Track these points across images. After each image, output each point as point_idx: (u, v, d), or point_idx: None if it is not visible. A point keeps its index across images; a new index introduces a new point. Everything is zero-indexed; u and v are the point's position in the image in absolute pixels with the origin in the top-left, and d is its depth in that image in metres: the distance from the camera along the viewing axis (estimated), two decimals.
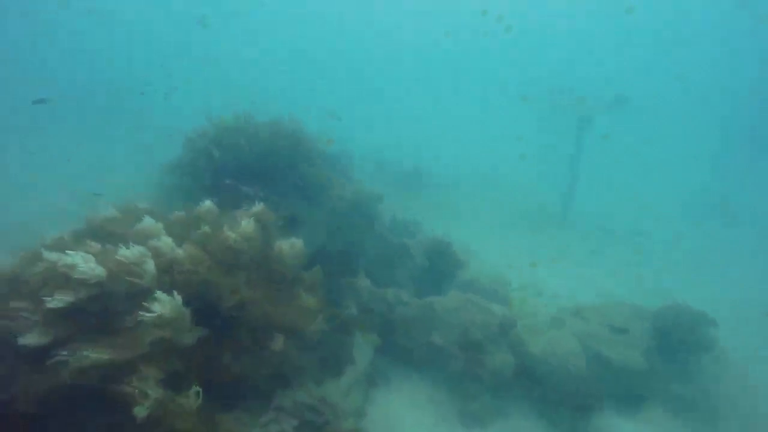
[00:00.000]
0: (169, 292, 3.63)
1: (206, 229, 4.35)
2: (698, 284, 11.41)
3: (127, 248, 3.53)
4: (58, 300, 3.16)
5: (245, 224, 4.56)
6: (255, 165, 7.01)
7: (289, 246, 4.94)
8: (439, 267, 8.76)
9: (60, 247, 3.94)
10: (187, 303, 3.79)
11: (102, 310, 3.50)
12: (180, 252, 3.92)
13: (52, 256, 3.31)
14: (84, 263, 3.23)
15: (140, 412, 3.21)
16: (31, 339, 3.15)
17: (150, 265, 3.58)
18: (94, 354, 3.13)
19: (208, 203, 5.06)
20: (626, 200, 17.73)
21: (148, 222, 4.22)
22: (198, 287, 4.08)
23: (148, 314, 3.40)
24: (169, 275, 3.96)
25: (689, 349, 7.47)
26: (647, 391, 7.01)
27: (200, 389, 3.94)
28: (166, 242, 3.93)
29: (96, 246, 3.70)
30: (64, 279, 3.28)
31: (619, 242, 13.39)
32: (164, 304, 3.46)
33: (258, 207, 5.20)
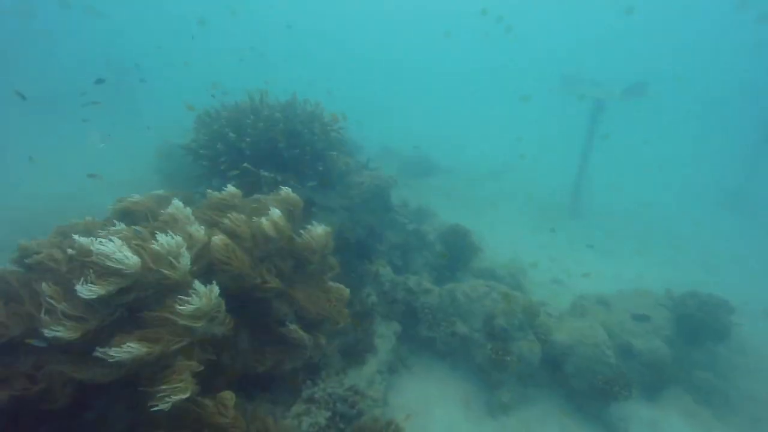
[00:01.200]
0: (205, 282, 3.43)
1: (238, 216, 4.13)
2: (714, 274, 11.38)
3: (165, 235, 3.31)
4: (90, 290, 2.94)
5: (275, 212, 4.33)
6: (271, 148, 6.75)
7: (319, 233, 4.73)
8: (456, 254, 8.62)
9: (88, 231, 3.72)
10: (220, 293, 3.60)
11: (134, 300, 3.29)
12: (215, 240, 3.71)
13: (83, 241, 3.08)
14: (119, 251, 3.01)
15: (177, 404, 3.04)
16: (61, 332, 2.95)
17: (186, 256, 3.37)
18: (132, 347, 2.94)
19: (231, 188, 4.83)
20: (640, 190, 17.61)
21: (177, 206, 3.99)
22: (230, 276, 3.88)
23: (185, 307, 3.20)
24: (200, 264, 3.75)
25: (711, 336, 7.43)
26: (670, 378, 6.97)
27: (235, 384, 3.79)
28: (197, 229, 3.72)
29: (128, 231, 3.47)
30: (96, 267, 3.06)
31: (633, 231, 13.29)
32: (201, 296, 3.27)
33: (284, 192, 4.97)
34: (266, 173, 6.32)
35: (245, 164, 6.27)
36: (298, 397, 4.65)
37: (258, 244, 4.22)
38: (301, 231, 4.95)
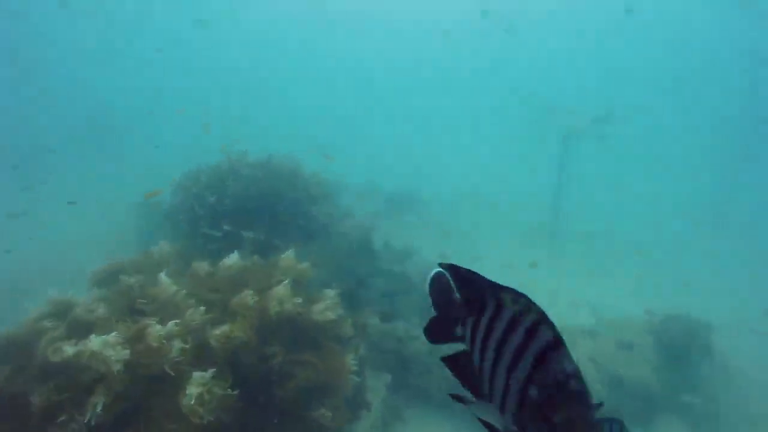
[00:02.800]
0: (205, 367, 3.48)
1: (248, 299, 4.20)
2: (696, 290, 11.76)
3: (156, 324, 3.36)
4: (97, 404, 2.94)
5: (282, 289, 4.42)
6: (253, 207, 6.84)
7: (326, 305, 4.82)
8: None
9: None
10: (221, 374, 3.63)
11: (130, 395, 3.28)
12: (217, 332, 3.76)
13: (69, 349, 3.08)
14: (109, 349, 3.03)
15: None
16: None
17: (177, 344, 3.40)
18: None
19: (234, 257, 4.90)
20: (620, 209, 18.19)
21: (165, 283, 4.02)
22: (234, 356, 3.91)
23: (187, 398, 3.22)
24: (198, 348, 3.77)
25: (693, 358, 7.63)
26: (660, 405, 7.09)
27: None
28: (193, 315, 3.76)
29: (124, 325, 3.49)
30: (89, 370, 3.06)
31: (614, 252, 13.68)
32: (200, 385, 3.29)
33: (289, 258, 5.09)
34: (248, 234, 6.39)
35: (226, 226, 6.33)
36: None
37: (266, 322, 4.26)
38: (312, 305, 5.05)
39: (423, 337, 5.20)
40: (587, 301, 10.36)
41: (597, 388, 6.37)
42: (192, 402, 3.36)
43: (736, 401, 7.52)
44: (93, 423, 3.15)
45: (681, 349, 7.59)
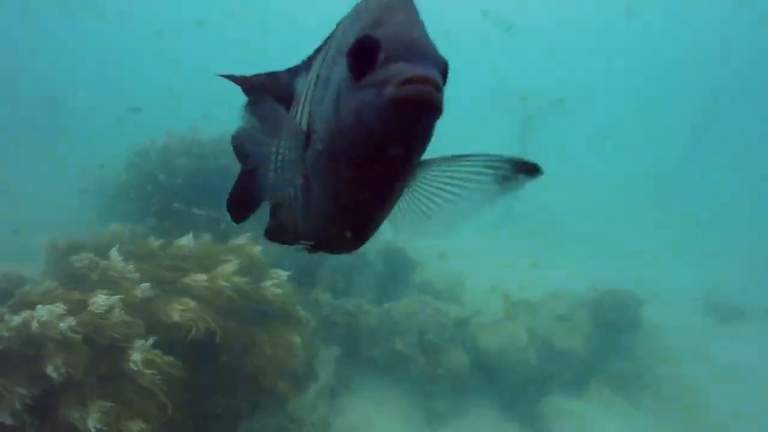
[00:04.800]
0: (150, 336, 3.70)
1: (198, 277, 4.37)
2: (636, 268, 12.58)
3: (99, 294, 3.54)
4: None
5: (230, 267, 4.61)
6: (205, 185, 6.91)
7: (275, 283, 5.03)
8: (395, 272, 9.08)
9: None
10: (171, 349, 3.84)
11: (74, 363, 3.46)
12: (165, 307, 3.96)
13: (16, 318, 3.23)
14: (55, 318, 3.20)
15: None
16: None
17: (121, 316, 3.60)
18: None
19: (188, 237, 5.03)
20: (571, 194, 18.96)
21: (114, 259, 4.17)
22: (181, 331, 4.11)
23: (131, 363, 3.44)
24: (145, 319, 3.95)
25: (624, 329, 8.30)
26: (591, 373, 7.73)
27: None
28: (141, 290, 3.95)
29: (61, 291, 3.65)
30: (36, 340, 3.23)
31: (564, 235, 14.36)
32: (144, 351, 3.51)
33: (241, 238, 5.26)
34: (199, 211, 6.49)
35: (176, 204, 6.41)
36: None
37: (214, 299, 4.45)
38: (262, 283, 5.26)
39: (373, 311, 5.62)
40: (534, 278, 10.96)
41: (530, 357, 6.90)
42: (137, 368, 3.57)
43: (664, 368, 8.26)
44: (36, 393, 3.33)
45: (614, 320, 8.23)
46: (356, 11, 0.84)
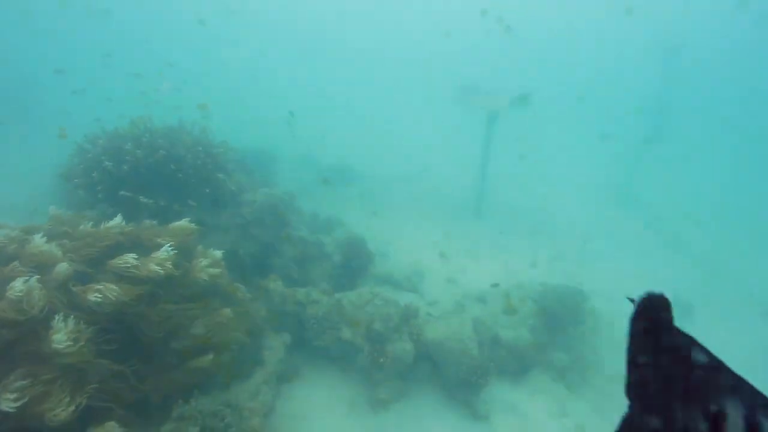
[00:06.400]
0: (69, 317, 3.72)
1: (129, 259, 4.40)
2: (593, 263, 13.02)
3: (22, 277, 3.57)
4: None
5: (163, 253, 4.64)
6: (154, 174, 6.87)
7: (207, 262, 5.09)
8: (353, 263, 9.20)
9: None
10: (103, 331, 3.89)
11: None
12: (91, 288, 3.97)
13: None
14: None
15: None
16: None
17: (37, 297, 3.62)
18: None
19: (117, 219, 5.04)
20: (536, 191, 19.41)
21: (37, 243, 4.17)
22: (113, 315, 4.15)
23: (55, 344, 3.48)
24: (71, 301, 3.98)
25: (568, 322, 8.64)
26: (532, 362, 8.05)
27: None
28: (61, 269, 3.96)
29: None
30: None
31: (526, 230, 14.73)
32: (65, 332, 3.55)
33: (178, 223, 5.29)
34: (146, 199, 6.46)
35: (122, 192, 6.37)
36: (168, 417, 4.94)
37: (145, 284, 4.49)
38: (193, 261, 5.31)
39: (323, 301, 5.79)
40: (492, 271, 11.26)
41: (473, 347, 7.14)
42: (59, 346, 3.63)
43: (596, 357, 8.65)
44: None
45: (556, 314, 8.56)
46: None
